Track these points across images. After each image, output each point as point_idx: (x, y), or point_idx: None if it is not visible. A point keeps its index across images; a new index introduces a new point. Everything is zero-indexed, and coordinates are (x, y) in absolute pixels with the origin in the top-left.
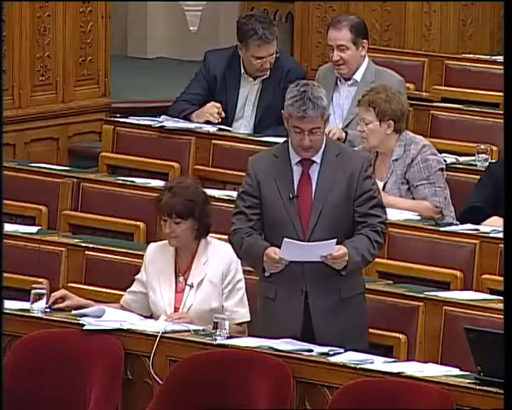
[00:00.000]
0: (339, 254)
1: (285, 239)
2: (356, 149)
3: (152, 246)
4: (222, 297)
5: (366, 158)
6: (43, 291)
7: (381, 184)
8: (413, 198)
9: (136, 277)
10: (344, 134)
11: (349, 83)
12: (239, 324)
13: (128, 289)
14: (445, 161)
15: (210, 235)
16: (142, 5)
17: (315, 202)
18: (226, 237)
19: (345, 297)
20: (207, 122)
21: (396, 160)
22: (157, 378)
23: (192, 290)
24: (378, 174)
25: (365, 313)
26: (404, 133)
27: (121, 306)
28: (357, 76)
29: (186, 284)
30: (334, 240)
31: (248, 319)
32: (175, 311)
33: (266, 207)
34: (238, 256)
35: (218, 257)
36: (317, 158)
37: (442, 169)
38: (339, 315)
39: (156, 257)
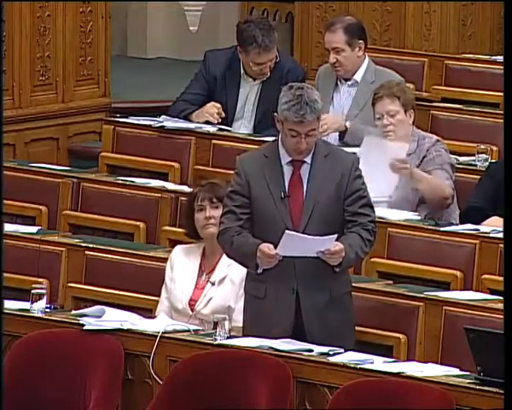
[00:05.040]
0: (336, 250)
1: (286, 231)
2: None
3: (178, 247)
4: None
5: (355, 158)
6: (43, 291)
7: None
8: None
9: (165, 283)
10: (343, 123)
11: (349, 83)
12: None
13: (159, 300)
14: None
15: None
16: (142, 5)
17: (306, 202)
18: None
19: (334, 296)
20: (207, 122)
21: (409, 155)
22: (157, 378)
23: (213, 287)
24: None
25: (352, 311)
26: (416, 130)
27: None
28: (358, 76)
29: (208, 281)
30: (335, 236)
31: None
32: (191, 303)
33: (257, 206)
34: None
35: None
36: (308, 158)
37: (452, 165)
38: (329, 313)
39: (182, 256)
